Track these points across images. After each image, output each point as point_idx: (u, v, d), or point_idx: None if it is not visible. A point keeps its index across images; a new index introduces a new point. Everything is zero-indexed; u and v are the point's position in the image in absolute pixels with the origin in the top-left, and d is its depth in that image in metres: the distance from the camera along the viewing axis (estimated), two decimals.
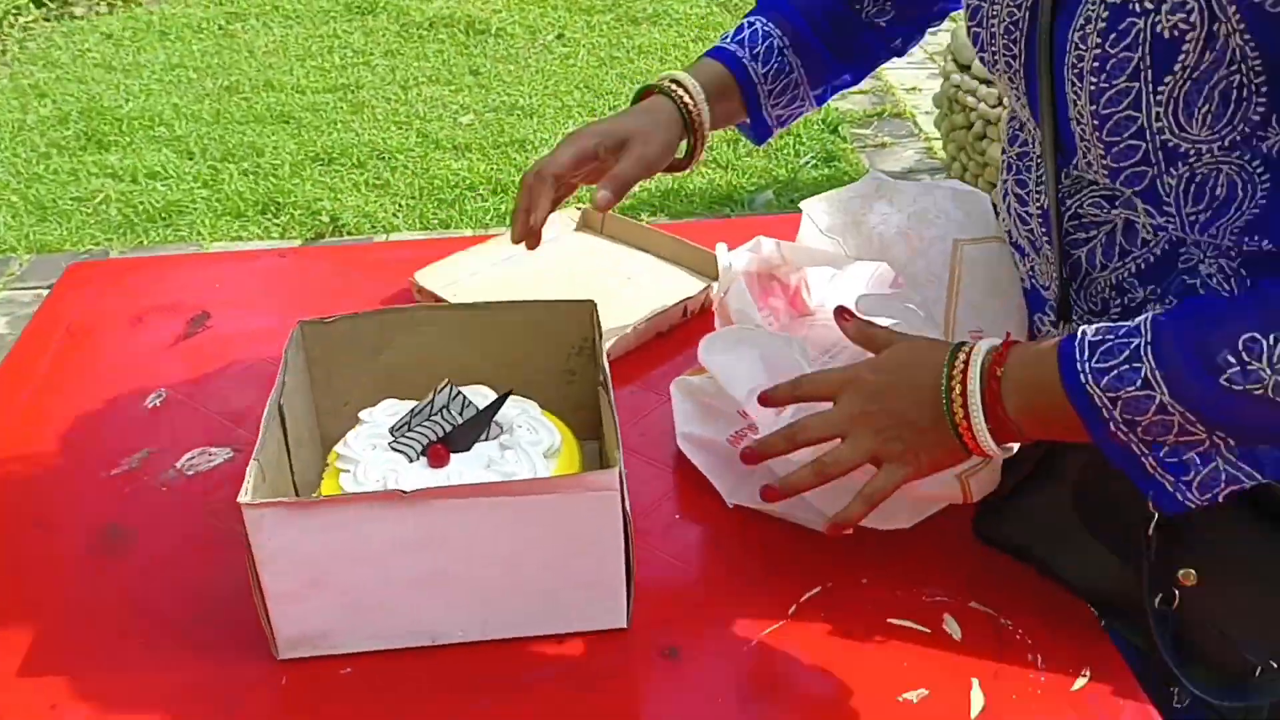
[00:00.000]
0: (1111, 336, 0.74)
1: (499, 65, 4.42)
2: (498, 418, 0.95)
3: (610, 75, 4.34)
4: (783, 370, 0.92)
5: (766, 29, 1.09)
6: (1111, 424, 0.74)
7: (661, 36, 4.71)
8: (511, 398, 0.97)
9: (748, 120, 1.13)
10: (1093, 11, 0.76)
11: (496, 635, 0.88)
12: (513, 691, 0.85)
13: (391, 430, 0.94)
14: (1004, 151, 0.98)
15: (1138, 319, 0.75)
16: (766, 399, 0.89)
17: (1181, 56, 0.73)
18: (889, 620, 0.89)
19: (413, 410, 0.94)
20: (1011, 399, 0.79)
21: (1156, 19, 0.72)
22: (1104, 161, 0.81)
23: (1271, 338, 0.69)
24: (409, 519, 0.82)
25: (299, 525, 0.81)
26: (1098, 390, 0.74)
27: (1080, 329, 0.77)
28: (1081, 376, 0.75)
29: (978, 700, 0.83)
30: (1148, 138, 0.77)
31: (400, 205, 3.41)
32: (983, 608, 0.90)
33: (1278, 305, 0.70)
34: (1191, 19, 0.71)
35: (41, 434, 1.12)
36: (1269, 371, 0.68)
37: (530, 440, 0.93)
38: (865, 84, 4.13)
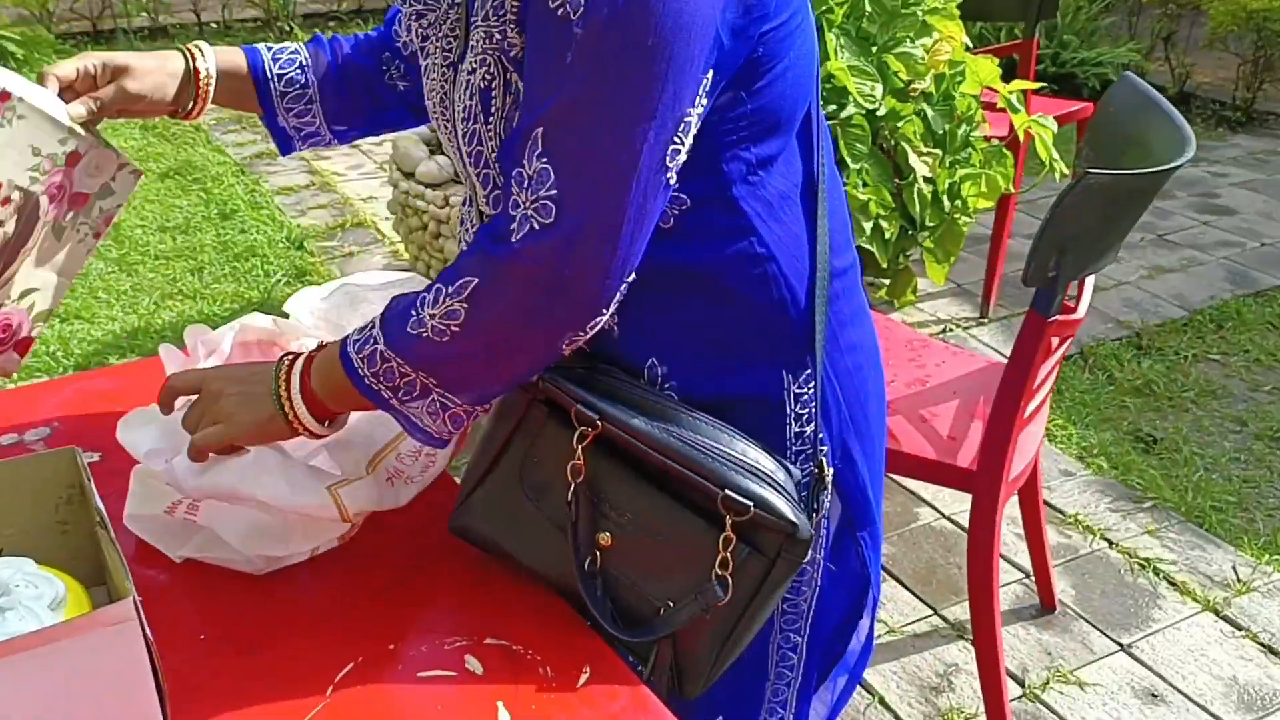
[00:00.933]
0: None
1: None
2: None
3: None
4: (178, 429, 1.05)
5: (295, 51, 1.24)
6: (367, 378, 0.95)
7: None
8: (1, 560, 0.95)
9: (261, 111, 1.24)
10: (461, 76, 0.98)
11: None
12: None
13: None
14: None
15: None
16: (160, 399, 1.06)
17: (494, 100, 0.96)
18: (419, 675, 0.99)
19: None
20: (316, 374, 0.99)
21: (476, 74, 0.96)
22: (481, 191, 1.02)
23: (436, 288, 0.91)
24: None
25: None
26: (353, 352, 0.95)
27: None
28: (348, 344, 0.96)
29: (505, 719, 0.95)
30: (493, 166, 0.99)
31: None
32: (496, 640, 1.03)
33: (458, 261, 0.91)
34: (492, 71, 0.95)
35: None
36: (428, 317, 0.91)
37: (31, 596, 0.92)
38: (324, 198, 4.25)
